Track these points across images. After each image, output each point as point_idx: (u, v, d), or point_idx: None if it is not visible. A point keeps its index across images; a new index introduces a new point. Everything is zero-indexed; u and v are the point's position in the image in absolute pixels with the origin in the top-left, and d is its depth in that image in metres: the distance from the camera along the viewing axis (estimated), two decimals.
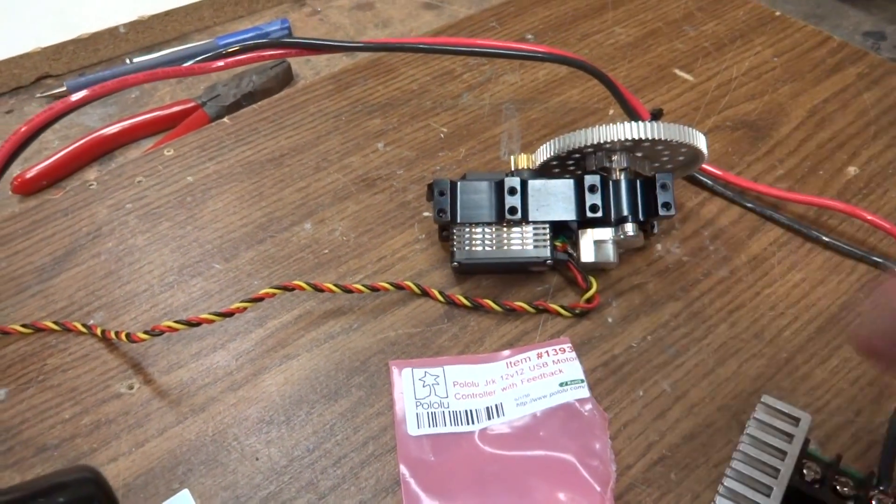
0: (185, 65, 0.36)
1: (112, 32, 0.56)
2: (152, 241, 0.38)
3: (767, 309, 0.35)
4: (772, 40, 0.51)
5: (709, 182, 0.40)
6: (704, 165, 0.40)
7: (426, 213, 0.39)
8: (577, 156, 0.36)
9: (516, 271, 0.36)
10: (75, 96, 0.36)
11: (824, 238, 0.38)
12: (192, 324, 0.32)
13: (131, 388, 0.32)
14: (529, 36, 0.51)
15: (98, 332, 0.33)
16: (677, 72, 0.48)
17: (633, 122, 0.33)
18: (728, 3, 0.54)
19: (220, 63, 0.36)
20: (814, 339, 0.34)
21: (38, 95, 0.54)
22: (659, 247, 0.38)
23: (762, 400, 0.28)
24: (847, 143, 0.43)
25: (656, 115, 0.41)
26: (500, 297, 0.35)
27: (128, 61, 0.56)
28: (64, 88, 0.53)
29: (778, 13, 0.53)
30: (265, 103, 0.46)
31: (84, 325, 0.34)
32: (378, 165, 0.42)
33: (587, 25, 0.52)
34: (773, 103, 0.46)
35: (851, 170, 0.42)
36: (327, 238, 0.38)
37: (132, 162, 0.42)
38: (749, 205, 0.39)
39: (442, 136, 0.44)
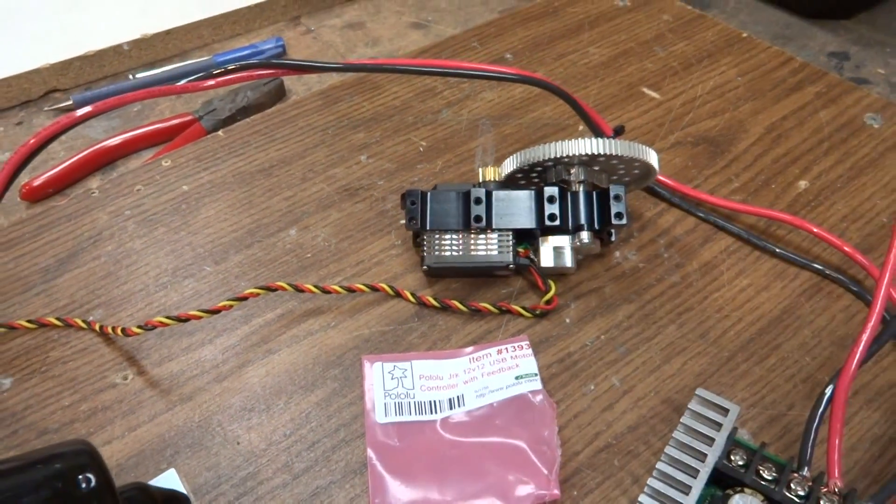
0: (179, 84, 0.39)
1: (116, 49, 0.59)
2: (149, 245, 0.41)
3: (714, 311, 0.38)
4: (737, 60, 0.54)
5: (666, 194, 0.43)
6: (663, 178, 0.43)
7: (403, 221, 0.42)
8: (539, 169, 0.39)
9: (482, 275, 0.39)
10: (80, 111, 0.39)
11: (772, 247, 0.40)
12: (181, 319, 0.35)
13: (126, 378, 0.35)
14: (508, 55, 0.54)
15: (96, 327, 0.36)
16: (645, 90, 0.51)
17: (588, 139, 0.36)
18: (698, 24, 0.57)
19: (212, 82, 0.39)
20: (755, 340, 0.37)
21: (46, 108, 0.57)
22: (617, 254, 0.41)
23: (696, 393, 0.31)
24: (800, 159, 0.46)
25: (618, 132, 0.44)
26: (466, 299, 0.38)
27: (131, 76, 0.59)
28: (70, 102, 0.56)
29: (745, 34, 0.56)
30: (258, 117, 0.49)
31: (84, 321, 0.37)
32: (360, 176, 0.45)
33: (563, 46, 0.55)
34: (733, 120, 0.49)
35: (802, 184, 0.44)
36: (310, 243, 0.41)
37: (132, 171, 0.45)
38: (703, 215, 0.42)
39: (421, 149, 0.47)
